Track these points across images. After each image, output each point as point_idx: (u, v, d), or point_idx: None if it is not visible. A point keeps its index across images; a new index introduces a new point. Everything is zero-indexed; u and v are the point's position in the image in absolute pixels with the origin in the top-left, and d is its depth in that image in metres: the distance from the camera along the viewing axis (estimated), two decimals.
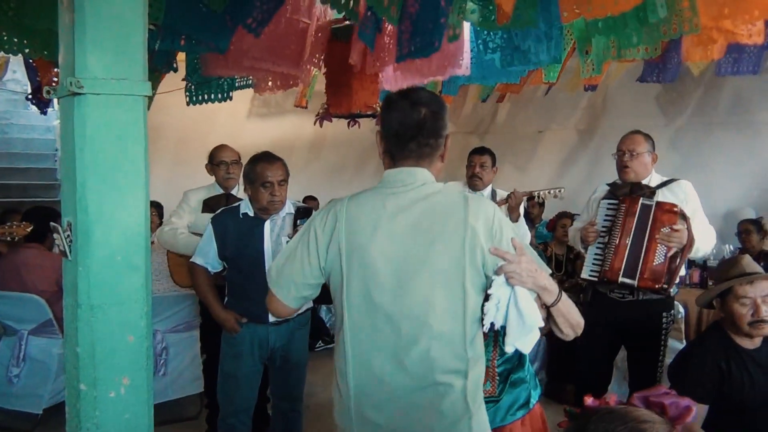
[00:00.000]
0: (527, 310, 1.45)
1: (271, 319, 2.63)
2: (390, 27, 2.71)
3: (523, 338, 1.48)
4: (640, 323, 2.81)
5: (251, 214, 2.67)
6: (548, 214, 5.30)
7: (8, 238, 2.97)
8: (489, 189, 3.62)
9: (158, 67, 2.96)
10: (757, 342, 2.22)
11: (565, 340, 1.61)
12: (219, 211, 2.79)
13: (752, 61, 3.43)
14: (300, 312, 2.72)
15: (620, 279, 2.72)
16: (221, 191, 3.27)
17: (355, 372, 1.52)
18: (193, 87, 3.41)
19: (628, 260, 2.71)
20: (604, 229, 2.85)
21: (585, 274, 2.88)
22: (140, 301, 1.54)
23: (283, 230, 2.68)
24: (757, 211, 5.17)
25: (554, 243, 4.64)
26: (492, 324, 1.46)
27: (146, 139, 1.54)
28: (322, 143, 6.73)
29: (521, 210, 3.36)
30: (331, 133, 6.17)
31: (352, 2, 2.36)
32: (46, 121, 7.14)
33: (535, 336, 1.48)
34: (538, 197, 3.42)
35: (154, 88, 2.99)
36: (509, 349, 1.49)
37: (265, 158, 2.62)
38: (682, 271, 2.85)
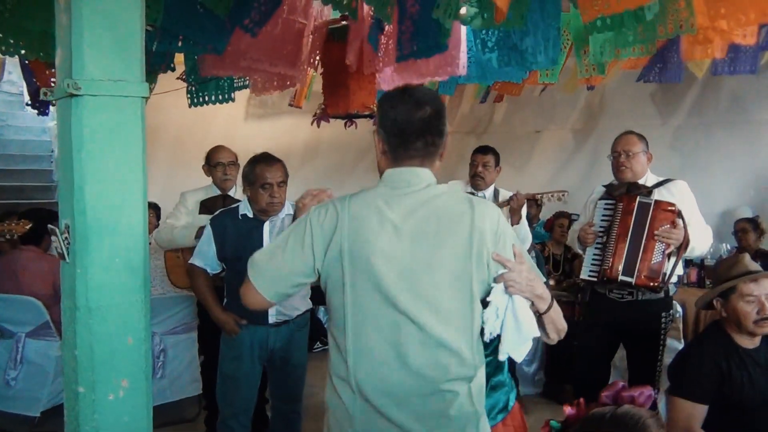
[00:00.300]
0: (524, 320, 1.44)
1: (271, 320, 2.62)
2: (389, 27, 2.71)
3: (519, 347, 1.47)
4: (639, 323, 2.82)
5: (250, 215, 2.66)
6: (545, 214, 5.30)
7: (7, 237, 2.96)
8: (491, 189, 3.55)
9: (155, 68, 2.95)
10: (756, 342, 2.23)
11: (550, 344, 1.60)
12: (218, 212, 2.78)
13: (749, 60, 3.41)
14: (300, 313, 2.72)
15: (620, 277, 2.72)
16: (218, 192, 3.26)
17: (359, 378, 1.45)
18: (194, 89, 3.41)
19: (626, 258, 2.72)
20: (602, 230, 2.85)
21: (584, 274, 2.89)
22: (139, 303, 1.54)
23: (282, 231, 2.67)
24: (754, 210, 5.18)
25: (552, 243, 4.65)
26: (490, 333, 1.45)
27: (144, 141, 1.53)
28: (319, 144, 6.71)
29: (523, 212, 3.33)
30: (328, 135, 6.15)
31: (353, 1, 2.35)
32: (42, 122, 7.11)
33: (529, 345, 1.48)
34: (541, 200, 3.39)
35: (151, 89, 2.99)
36: (503, 357, 1.48)
37: (264, 159, 2.61)
38: (680, 270, 2.85)
